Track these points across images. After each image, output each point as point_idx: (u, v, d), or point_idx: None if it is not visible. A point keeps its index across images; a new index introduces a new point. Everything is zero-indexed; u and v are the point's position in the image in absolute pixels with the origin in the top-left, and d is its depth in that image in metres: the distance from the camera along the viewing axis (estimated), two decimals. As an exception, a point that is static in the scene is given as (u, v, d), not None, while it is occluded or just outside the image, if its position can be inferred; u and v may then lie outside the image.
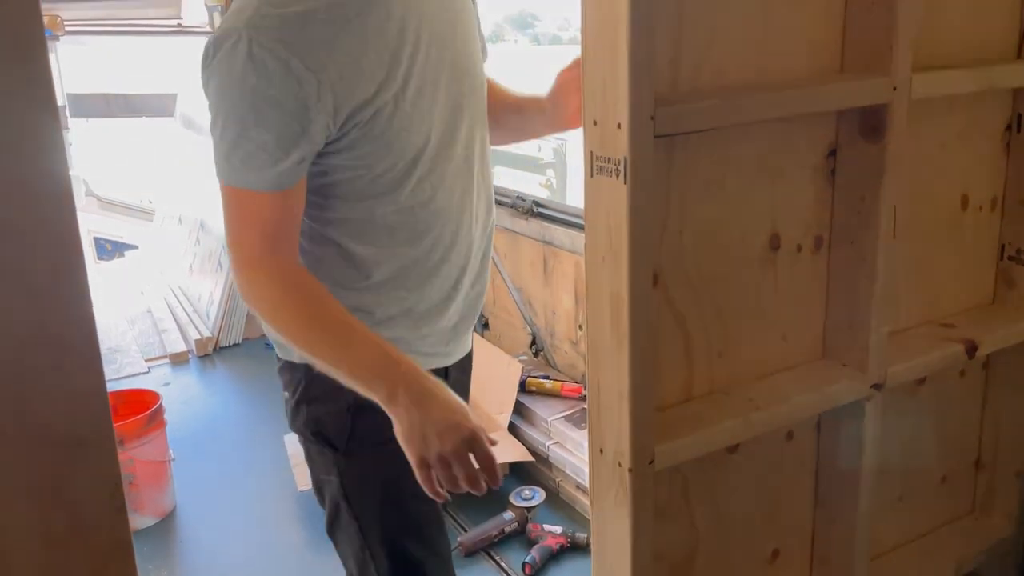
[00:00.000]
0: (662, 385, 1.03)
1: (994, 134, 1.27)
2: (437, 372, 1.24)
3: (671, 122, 0.87)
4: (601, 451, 0.97)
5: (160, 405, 2.40)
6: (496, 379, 2.78)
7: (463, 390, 1.40)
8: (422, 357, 1.20)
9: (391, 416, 1.05)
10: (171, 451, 2.48)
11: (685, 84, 0.95)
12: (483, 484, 1.05)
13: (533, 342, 3.09)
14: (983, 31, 1.19)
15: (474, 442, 1.03)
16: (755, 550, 1.20)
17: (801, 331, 1.14)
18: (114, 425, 2.20)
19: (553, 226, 2.86)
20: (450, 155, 1.19)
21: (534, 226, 2.93)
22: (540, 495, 2.45)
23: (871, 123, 1.04)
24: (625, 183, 0.85)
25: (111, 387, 2.60)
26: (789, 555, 1.23)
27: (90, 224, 5.01)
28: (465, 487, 1.04)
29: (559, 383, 2.76)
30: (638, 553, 0.96)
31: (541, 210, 2.96)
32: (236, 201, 1.10)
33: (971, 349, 1.22)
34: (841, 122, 1.08)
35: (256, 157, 1.05)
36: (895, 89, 1.01)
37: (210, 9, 4.11)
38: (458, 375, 1.35)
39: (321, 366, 1.10)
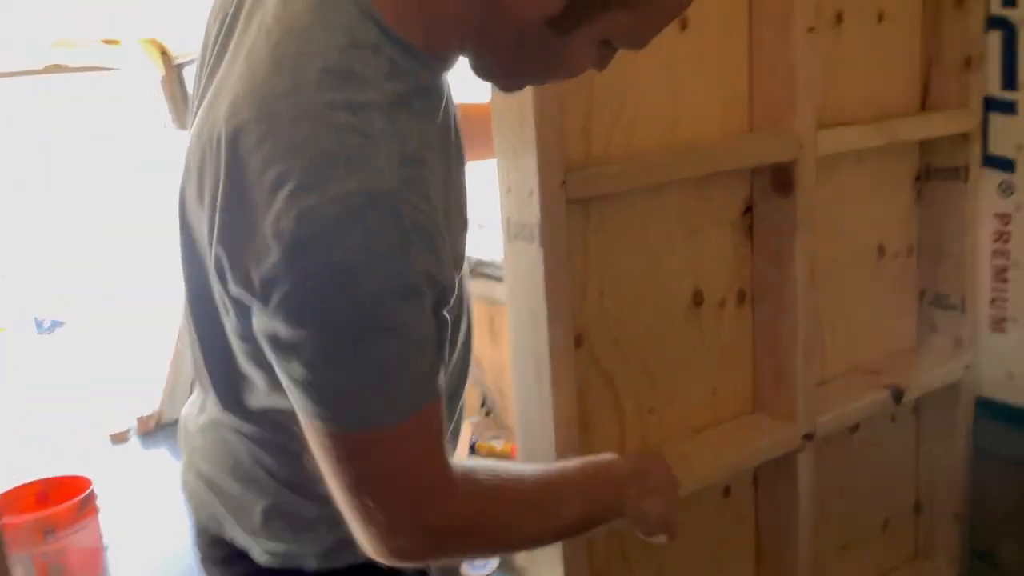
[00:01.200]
0: (593, 444, 1.03)
1: (905, 184, 1.32)
2: None
3: (582, 187, 0.88)
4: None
5: (92, 491, 2.31)
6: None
7: None
8: None
9: (636, 520, 0.87)
10: (105, 538, 2.37)
11: (598, 148, 0.97)
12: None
13: (483, 402, 3.07)
14: (887, 87, 1.24)
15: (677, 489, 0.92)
16: (700, 609, 1.19)
17: (731, 385, 1.15)
18: (43, 513, 2.09)
19: (498, 284, 2.86)
20: None
21: (479, 285, 2.94)
22: (493, 563, 2.40)
23: (782, 179, 1.07)
24: (540, 247, 0.86)
25: (45, 473, 2.51)
26: (734, 612, 1.22)
27: (28, 297, 4.90)
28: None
29: (510, 444, 2.73)
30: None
31: (484, 269, 2.97)
32: (402, 436, 0.67)
33: (898, 394, 1.24)
34: (755, 179, 1.11)
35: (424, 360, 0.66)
36: (801, 146, 1.05)
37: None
38: None
39: (555, 538, 0.88)
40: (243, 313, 0.64)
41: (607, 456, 0.85)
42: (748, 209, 1.12)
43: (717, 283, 1.11)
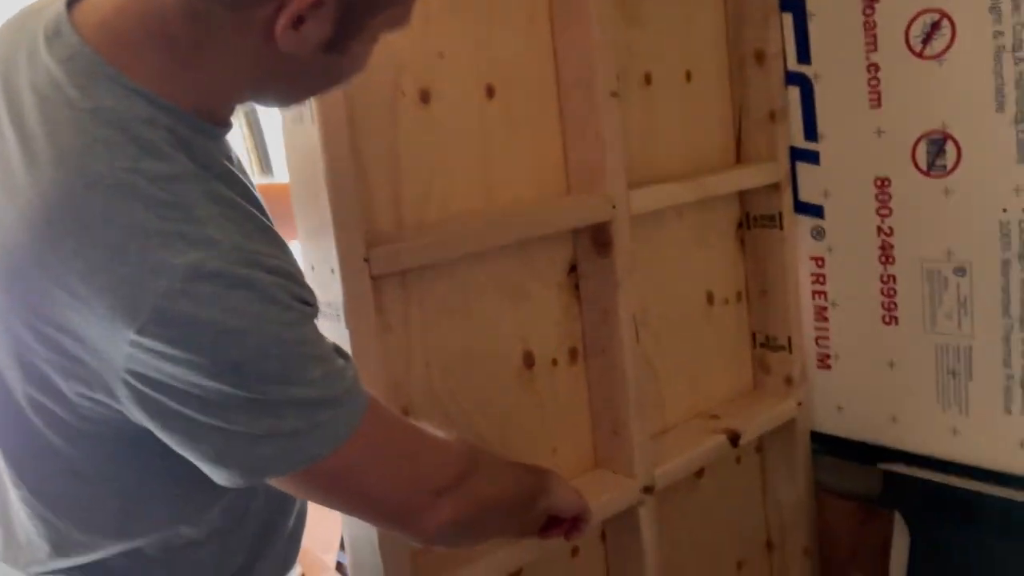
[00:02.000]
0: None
1: (728, 233, 1.37)
2: None
3: (389, 262, 0.87)
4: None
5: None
6: (320, 516, 2.64)
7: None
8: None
9: (562, 500, 0.94)
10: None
11: (411, 218, 0.96)
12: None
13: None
14: (703, 143, 1.30)
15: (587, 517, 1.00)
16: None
17: (570, 443, 1.15)
18: None
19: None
20: None
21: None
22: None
23: (600, 239, 1.10)
24: (346, 327, 0.84)
25: None
26: (594, 675, 1.20)
27: None
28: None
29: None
30: None
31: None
32: (369, 446, 0.69)
33: (734, 438, 1.28)
34: (577, 239, 1.12)
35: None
36: (614, 207, 1.07)
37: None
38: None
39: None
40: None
41: None
42: (572, 269, 1.14)
43: (548, 343, 1.11)
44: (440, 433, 0.79)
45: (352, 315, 0.83)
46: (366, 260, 0.84)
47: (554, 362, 1.12)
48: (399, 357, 0.96)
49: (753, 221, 1.38)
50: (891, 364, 1.30)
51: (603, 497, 1.12)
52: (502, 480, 0.85)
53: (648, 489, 1.15)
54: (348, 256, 0.82)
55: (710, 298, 1.35)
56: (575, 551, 1.17)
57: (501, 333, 1.06)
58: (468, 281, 1.02)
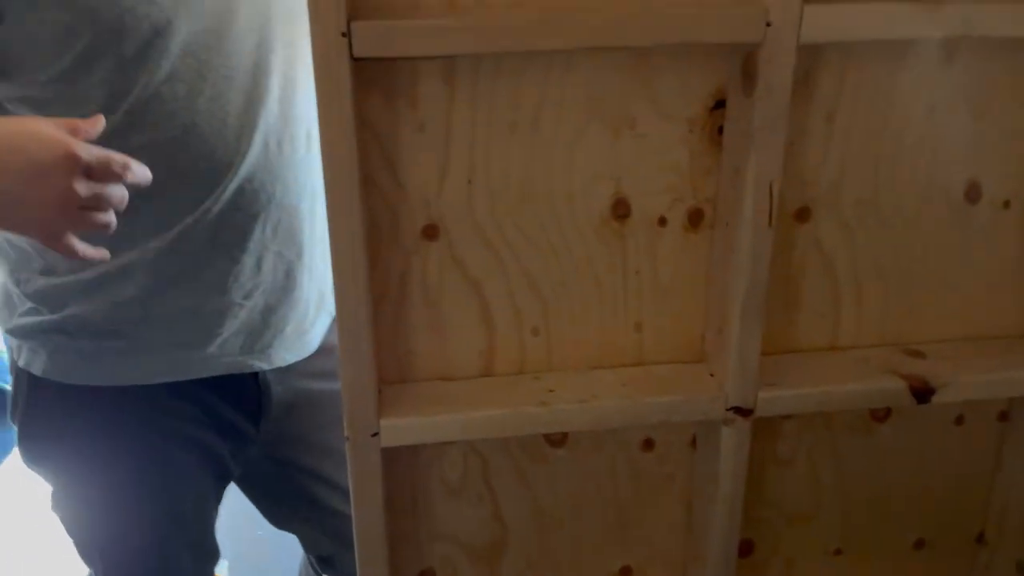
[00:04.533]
0: (448, 353, 0.89)
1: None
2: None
3: (381, 42, 0.70)
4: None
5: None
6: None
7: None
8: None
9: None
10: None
11: (469, -5, 0.76)
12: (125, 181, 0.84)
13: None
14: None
15: (78, 160, 0.80)
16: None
17: (667, 323, 0.92)
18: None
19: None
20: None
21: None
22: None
23: (748, 70, 0.78)
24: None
25: None
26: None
27: None
28: (111, 209, 0.85)
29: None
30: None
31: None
32: None
33: (921, 391, 0.91)
34: (731, 62, 0.81)
35: None
36: (768, 24, 0.74)
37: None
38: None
39: None
40: None
41: None
42: (721, 104, 0.84)
43: (656, 195, 0.86)
44: None
45: (323, 111, 0.70)
46: (344, 35, 0.69)
47: (662, 221, 0.87)
48: (431, 166, 0.81)
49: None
50: None
51: (685, 395, 0.89)
52: None
53: (740, 410, 0.88)
54: (319, 26, 0.68)
55: (972, 192, 0.92)
56: (648, 443, 0.97)
57: (583, 166, 0.84)
58: (544, 89, 0.80)
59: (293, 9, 1.01)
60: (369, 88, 0.76)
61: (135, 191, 0.86)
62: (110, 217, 0.86)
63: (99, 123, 0.83)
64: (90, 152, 0.81)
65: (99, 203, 0.83)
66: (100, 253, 0.89)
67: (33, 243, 1.01)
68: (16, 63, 0.91)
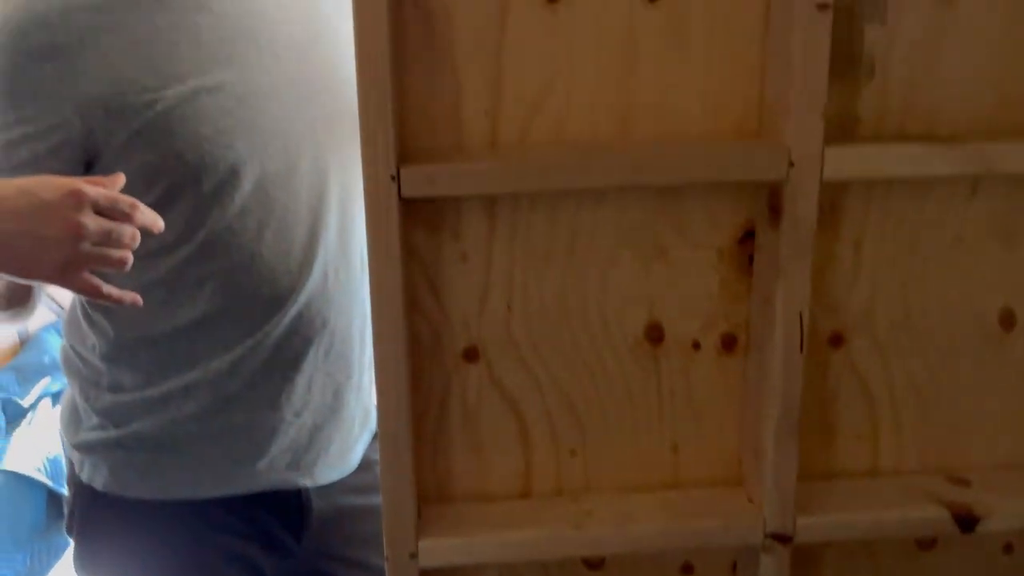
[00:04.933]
0: (488, 472, 0.91)
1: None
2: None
3: (424, 183, 0.76)
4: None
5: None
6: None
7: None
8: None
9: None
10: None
11: (509, 135, 0.82)
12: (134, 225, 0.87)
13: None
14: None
15: (83, 196, 0.83)
16: None
17: (703, 445, 0.93)
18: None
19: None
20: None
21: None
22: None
23: (774, 204, 0.82)
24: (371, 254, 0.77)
25: None
26: None
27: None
28: (123, 247, 0.87)
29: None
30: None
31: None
32: None
33: (965, 519, 0.90)
34: (755, 198, 0.85)
35: None
36: (791, 164, 0.78)
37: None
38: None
39: None
40: None
41: None
42: (750, 234, 0.87)
43: (689, 320, 0.89)
44: None
45: (374, 244, 0.76)
46: (394, 178, 0.75)
47: (695, 345, 0.90)
48: (472, 291, 0.86)
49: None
50: None
51: (723, 520, 0.89)
52: None
53: (779, 537, 0.88)
54: (371, 169, 0.74)
55: (1006, 319, 0.93)
56: (688, 567, 0.96)
57: (617, 292, 0.88)
58: (577, 220, 0.85)
59: (349, 152, 1.10)
60: (415, 222, 0.82)
61: (200, 316, 0.93)
62: (124, 254, 0.87)
63: (119, 180, 0.88)
64: (96, 190, 0.84)
65: (109, 239, 0.85)
66: (128, 296, 0.91)
67: (104, 359, 1.07)
68: None
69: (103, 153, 0.97)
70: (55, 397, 2.59)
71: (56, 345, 2.58)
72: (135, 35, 0.96)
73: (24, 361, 2.69)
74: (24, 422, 2.52)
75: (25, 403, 2.56)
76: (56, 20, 0.93)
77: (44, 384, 2.64)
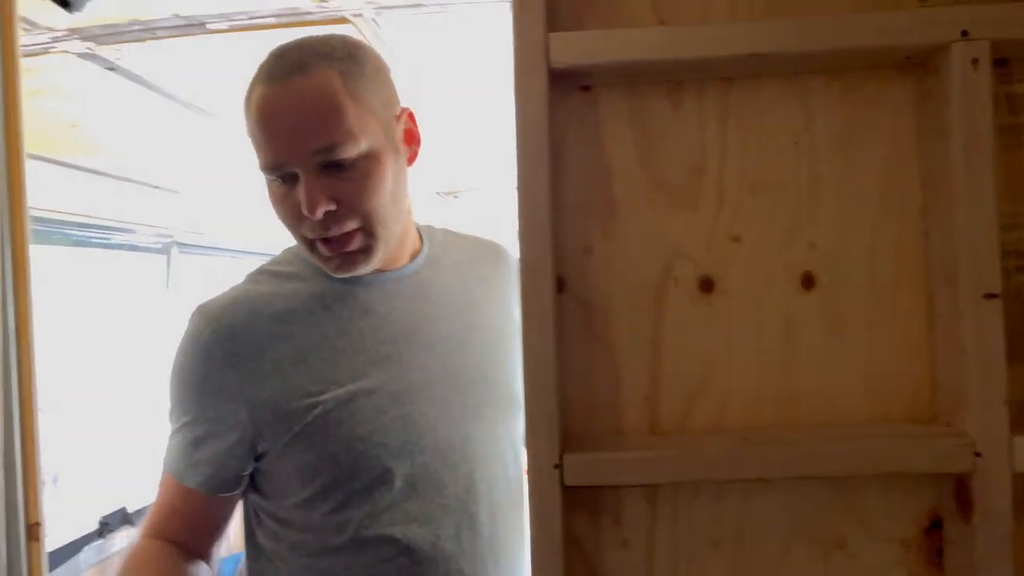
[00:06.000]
0: None
1: None
2: None
3: (590, 472, 0.76)
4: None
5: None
6: None
7: None
8: None
9: None
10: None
11: (669, 422, 0.83)
12: None
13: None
14: None
15: None
16: None
17: None
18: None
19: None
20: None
21: None
22: None
23: (961, 497, 0.76)
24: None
25: None
26: None
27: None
28: None
29: None
30: None
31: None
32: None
33: None
34: (941, 488, 0.80)
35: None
36: (977, 454, 0.73)
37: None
38: None
39: None
40: None
41: None
42: (937, 524, 0.81)
43: (876, 623, 0.81)
44: None
45: (536, 531, 0.76)
46: (557, 467, 0.76)
47: (886, 647, 0.81)
48: (639, 571, 0.83)
49: None
50: None
51: None
52: None
53: None
54: (537, 461, 0.76)
55: None
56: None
57: (793, 586, 0.82)
58: (745, 509, 0.82)
59: (500, 435, 1.15)
60: (576, 508, 0.82)
61: None
62: None
63: None
64: None
65: None
66: None
67: None
68: (271, 488, 1.07)
69: (269, 452, 1.04)
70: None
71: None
72: (305, 343, 1.03)
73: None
74: None
75: None
76: (241, 332, 1.02)
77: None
